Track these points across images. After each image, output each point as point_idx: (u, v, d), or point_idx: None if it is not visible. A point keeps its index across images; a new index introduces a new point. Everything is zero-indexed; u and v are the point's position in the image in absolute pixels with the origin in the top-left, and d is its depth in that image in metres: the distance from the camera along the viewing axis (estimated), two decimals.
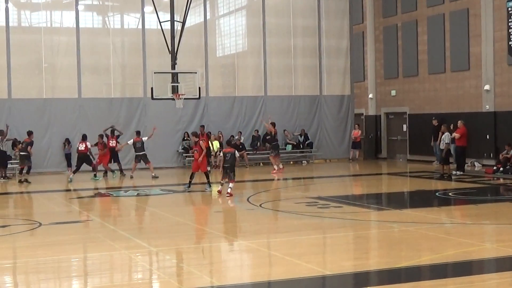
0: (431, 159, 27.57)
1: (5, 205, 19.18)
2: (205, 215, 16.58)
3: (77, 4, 27.84)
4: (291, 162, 30.14)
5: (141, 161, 24.37)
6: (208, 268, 10.36)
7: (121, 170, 25.21)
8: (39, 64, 27.78)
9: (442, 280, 9.17)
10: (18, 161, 24.22)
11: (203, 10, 29.52)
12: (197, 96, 24.36)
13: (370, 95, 32.66)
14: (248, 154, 28.60)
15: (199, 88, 24.28)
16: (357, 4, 32.63)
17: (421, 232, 12.59)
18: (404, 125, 30.82)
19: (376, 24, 32.35)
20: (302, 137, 30.33)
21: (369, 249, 11.82)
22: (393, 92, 31.34)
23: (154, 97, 23.55)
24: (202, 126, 27.45)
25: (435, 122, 26.96)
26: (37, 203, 18.92)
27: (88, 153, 23.85)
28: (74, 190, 21.70)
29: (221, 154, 19.32)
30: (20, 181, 23.15)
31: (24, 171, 23.72)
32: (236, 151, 19.32)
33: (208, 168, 24.07)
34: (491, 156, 25.59)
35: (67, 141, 27.00)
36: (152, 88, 23.44)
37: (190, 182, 20.11)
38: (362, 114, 33.44)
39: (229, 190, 18.36)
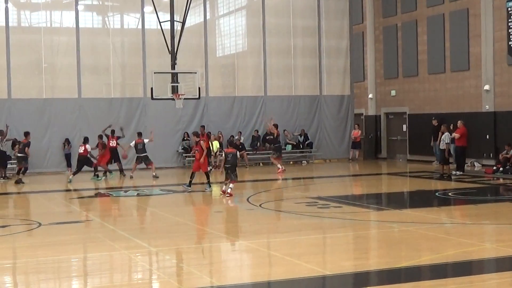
0: (431, 159, 27.58)
1: (5, 205, 19.19)
2: (205, 215, 16.58)
3: (77, 4, 27.84)
4: (291, 162, 30.13)
5: (142, 162, 24.36)
6: (208, 268, 10.36)
7: (121, 170, 25.21)
8: (39, 64, 27.79)
9: (442, 280, 9.17)
10: (16, 162, 24.20)
11: (203, 10, 29.52)
12: (197, 96, 24.37)
13: (370, 95, 32.67)
14: (248, 154, 28.61)
15: (199, 88, 24.29)
16: (357, 4, 32.64)
17: (421, 232, 12.59)
18: (404, 125, 30.82)
19: (376, 24, 32.36)
20: (302, 137, 30.33)
21: (369, 249, 11.82)
22: (393, 92, 31.35)
23: (154, 97, 23.56)
24: (203, 127, 27.45)
25: (435, 122, 26.97)
26: (37, 203, 18.91)
27: (88, 155, 23.81)
28: (74, 190, 21.70)
29: (223, 154, 19.29)
30: (16, 182, 23.10)
31: (20, 172, 23.68)
32: (237, 152, 19.33)
33: (210, 168, 24.11)
34: (491, 156, 25.59)
35: (67, 141, 27.01)
36: (152, 88, 23.45)
37: (190, 181, 20.13)
38: (362, 114, 33.44)
39: (229, 190, 18.36)
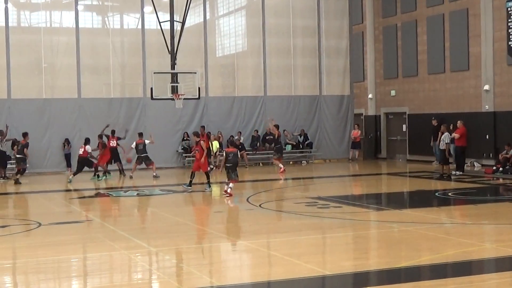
0: (431, 159, 27.58)
1: (5, 205, 19.19)
2: (205, 215, 16.58)
3: (76, 4, 27.84)
4: (291, 162, 30.12)
5: (143, 162, 24.35)
6: (208, 268, 10.36)
7: (121, 170, 25.22)
8: (39, 64, 27.79)
9: (442, 280, 9.18)
10: (14, 163, 24.18)
11: (203, 10, 29.52)
12: (197, 96, 24.37)
13: (370, 95, 32.67)
14: (247, 154, 28.61)
15: (199, 88, 24.29)
16: (356, 4, 32.64)
17: (420, 232, 12.59)
18: (403, 125, 30.83)
19: (375, 24, 32.36)
20: (302, 137, 30.33)
21: (369, 249, 11.82)
22: (393, 92, 31.35)
23: (153, 97, 23.56)
24: (203, 127, 27.43)
25: (434, 122, 26.98)
26: (37, 203, 18.91)
27: (88, 157, 23.79)
28: (74, 190, 21.70)
29: (224, 153, 19.30)
30: (14, 182, 23.03)
31: (12, 172, 23.62)
32: (238, 151, 19.36)
33: (212, 167, 24.13)
34: (491, 156, 25.59)
35: (67, 141, 27.02)
36: (151, 88, 23.45)
37: (190, 181, 20.13)
38: (362, 114, 33.44)
39: (228, 190, 18.36)
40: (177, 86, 23.35)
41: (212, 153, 25.75)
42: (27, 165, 24.13)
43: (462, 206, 17.07)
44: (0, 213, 17.30)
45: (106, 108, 27.83)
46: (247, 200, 17.76)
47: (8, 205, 19.44)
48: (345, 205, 16.78)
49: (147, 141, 24.33)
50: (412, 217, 14.69)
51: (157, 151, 26.79)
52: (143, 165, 24.60)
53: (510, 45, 24.90)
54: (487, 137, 25.90)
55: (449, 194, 18.70)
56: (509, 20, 24.86)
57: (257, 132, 29.89)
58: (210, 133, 27.81)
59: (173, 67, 24.16)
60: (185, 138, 28.58)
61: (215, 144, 26.76)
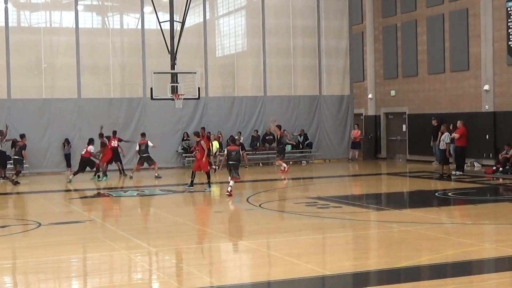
0: (431, 159, 27.58)
1: (5, 205, 19.18)
2: (205, 216, 16.58)
3: (76, 4, 27.84)
4: (291, 162, 30.07)
5: (145, 162, 24.34)
6: (208, 268, 10.36)
7: (122, 170, 25.23)
8: (39, 64, 27.80)
9: (442, 280, 9.18)
10: (12, 163, 24.12)
11: (203, 10, 29.52)
12: (197, 96, 24.37)
13: (370, 95, 32.67)
14: (247, 154, 28.60)
15: (199, 88, 24.29)
16: (356, 4, 32.64)
17: (420, 232, 12.59)
18: (403, 125, 30.83)
19: (375, 24, 32.36)
20: (302, 137, 30.33)
21: (369, 249, 11.82)
22: (393, 92, 31.35)
23: (153, 97, 23.56)
24: (203, 128, 27.40)
25: (434, 122, 26.98)
26: (37, 203, 18.90)
27: (90, 157, 23.77)
28: (74, 190, 21.70)
29: (225, 152, 19.31)
30: (14, 181, 22.96)
31: (11, 172, 23.55)
32: (241, 149, 19.38)
33: (214, 167, 24.12)
34: (491, 156, 25.59)
35: (67, 141, 27.02)
36: (151, 88, 23.46)
37: (192, 181, 20.13)
38: (362, 114, 33.45)
39: (229, 189, 18.35)
40: (177, 86, 23.35)
41: (212, 153, 25.77)
42: (24, 167, 24.02)
43: (462, 206, 17.07)
44: (0, 213, 17.30)
45: (106, 108, 27.84)
46: (247, 200, 17.76)
47: (8, 205, 19.43)
48: (345, 205, 16.78)
49: (150, 144, 24.31)
50: (412, 217, 14.70)
51: (157, 151, 26.74)
52: (146, 165, 24.56)
53: (510, 45, 24.90)
54: (487, 137, 25.90)
55: (449, 194, 18.70)
56: (509, 20, 24.86)
57: (257, 132, 29.89)
58: (210, 133, 27.83)
59: (173, 67, 24.16)
60: (185, 138, 28.58)
61: (215, 144, 26.77)
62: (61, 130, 27.21)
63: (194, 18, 29.66)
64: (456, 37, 27.46)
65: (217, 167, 24.71)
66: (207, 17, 29.77)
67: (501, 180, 21.90)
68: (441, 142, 23.15)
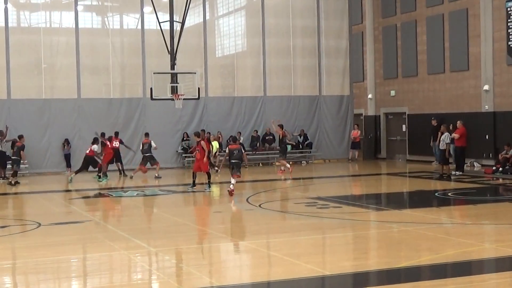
0: (431, 159, 27.58)
1: (5, 206, 19.17)
2: (205, 216, 16.58)
3: (76, 4, 27.83)
4: (291, 163, 30.02)
5: (148, 162, 24.35)
6: (208, 269, 10.36)
7: (122, 170, 25.22)
8: (39, 65, 27.79)
9: (442, 280, 9.18)
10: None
11: (202, 10, 29.52)
12: (197, 97, 24.36)
13: (370, 95, 32.68)
14: (247, 154, 28.59)
15: (199, 88, 24.27)
16: (356, 4, 32.65)
17: (420, 232, 12.59)
18: (403, 125, 30.83)
19: (375, 24, 32.36)
20: (302, 137, 30.33)
21: (369, 249, 11.82)
22: (393, 92, 31.36)
23: (153, 97, 23.55)
24: (203, 131, 27.36)
25: (434, 122, 26.99)
26: (37, 204, 18.90)
27: (94, 156, 23.76)
28: (74, 190, 21.69)
29: (227, 151, 19.32)
30: (13, 183, 22.87)
31: (10, 173, 23.47)
32: (242, 148, 19.42)
33: (217, 168, 24.10)
34: (490, 156, 25.59)
35: (66, 142, 27.02)
36: (151, 89, 23.45)
37: (193, 181, 20.12)
38: (362, 114, 33.45)
39: (231, 187, 18.37)
40: (176, 86, 23.35)
41: (212, 154, 25.78)
42: (21, 167, 23.95)
43: (462, 206, 17.07)
44: (0, 213, 17.33)
45: (106, 109, 27.84)
46: (247, 200, 17.76)
47: (7, 206, 19.42)
48: (344, 205, 16.78)
49: (153, 145, 24.31)
50: (412, 217, 14.70)
51: (157, 151, 26.77)
52: (148, 165, 24.56)
53: (509, 45, 24.90)
54: (487, 137, 25.90)
55: (449, 194, 18.70)
56: (509, 20, 24.86)
57: (257, 132, 29.88)
58: (210, 133, 27.82)
59: (172, 67, 24.15)
60: (184, 138, 28.58)
61: (215, 145, 26.76)
62: (61, 130, 27.21)
63: (194, 18, 29.66)
64: (456, 37, 27.46)
65: (218, 168, 24.70)
66: (207, 17, 29.77)
67: (501, 180, 21.90)
68: (441, 142, 23.16)
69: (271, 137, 29.61)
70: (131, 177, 23.98)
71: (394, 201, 18.73)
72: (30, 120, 26.66)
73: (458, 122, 23.83)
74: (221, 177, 23.72)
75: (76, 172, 23.51)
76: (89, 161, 23.65)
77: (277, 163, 28.39)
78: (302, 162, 30.26)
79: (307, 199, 18.05)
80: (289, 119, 30.36)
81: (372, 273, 9.75)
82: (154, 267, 10.68)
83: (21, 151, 22.98)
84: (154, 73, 23.68)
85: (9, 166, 24.85)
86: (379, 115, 32.37)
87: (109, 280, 9.87)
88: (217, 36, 30.79)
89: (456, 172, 23.20)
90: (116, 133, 25.48)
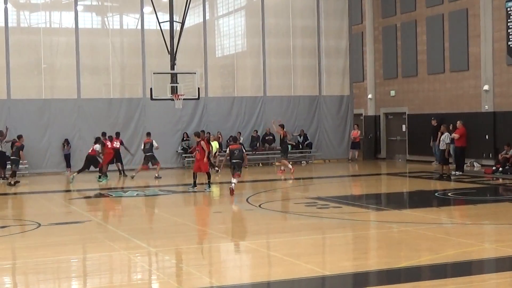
0: (430, 160, 27.58)
1: (5, 206, 19.16)
2: (205, 216, 16.58)
3: (76, 4, 27.83)
4: (291, 163, 30.02)
5: (149, 162, 24.36)
6: (208, 269, 10.36)
7: (123, 171, 25.22)
8: (38, 65, 27.79)
9: (442, 280, 9.18)
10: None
11: (202, 10, 29.52)
12: (196, 97, 24.37)
13: (369, 96, 32.68)
14: (247, 154, 28.53)
15: (198, 88, 24.29)
16: (356, 5, 32.65)
17: (420, 232, 12.59)
18: (403, 125, 30.83)
19: (375, 24, 32.37)
20: (302, 137, 30.33)
21: (369, 249, 11.82)
22: (392, 92, 31.36)
23: (153, 97, 23.56)
24: (202, 131, 27.36)
25: (434, 122, 26.99)
26: (36, 204, 18.89)
27: (96, 155, 23.75)
28: (74, 190, 21.69)
29: (227, 151, 19.34)
30: (12, 183, 22.86)
31: (9, 173, 23.47)
32: (243, 147, 19.45)
33: (217, 168, 24.08)
34: (490, 156, 25.60)
35: (66, 142, 27.02)
36: (151, 89, 23.45)
37: (194, 182, 20.11)
38: (361, 114, 33.45)
39: (232, 185, 18.37)
40: (176, 86, 23.35)
41: (212, 154, 25.77)
42: (19, 167, 23.93)
43: (462, 206, 17.07)
44: None
45: (106, 109, 27.84)
46: (247, 200, 17.75)
47: (7, 206, 19.41)
48: (344, 205, 16.78)
49: (155, 144, 24.33)
50: (412, 217, 14.69)
51: (157, 151, 26.78)
52: (149, 165, 24.58)
53: (509, 45, 24.90)
54: (487, 137, 25.91)
55: (449, 194, 18.70)
56: (509, 20, 24.86)
57: (257, 132, 29.88)
58: (209, 133, 27.83)
59: (172, 68, 24.16)
60: (184, 139, 28.58)
61: (215, 145, 26.76)
62: (60, 130, 27.21)
63: (193, 18, 29.66)
64: (455, 37, 27.47)
65: (218, 168, 24.69)
66: (207, 17, 29.78)
67: (500, 180, 21.90)
68: (441, 142, 23.16)
69: (271, 137, 29.61)
70: (133, 177, 23.98)
71: (394, 201, 18.73)
72: (30, 120, 26.66)
73: (458, 122, 23.83)
74: (221, 177, 23.72)
75: (78, 172, 23.51)
76: (91, 161, 23.66)
77: (277, 163, 28.43)
78: (302, 162, 30.26)
79: (307, 199, 18.05)
80: (289, 119, 30.36)
81: (372, 273, 9.75)
82: (154, 267, 10.68)
83: (20, 151, 22.95)
84: (154, 73, 23.68)
85: (9, 166, 24.91)
86: (379, 115, 32.38)
87: (109, 280, 9.87)
88: (217, 36, 30.79)
89: (456, 172, 23.20)
90: (117, 134, 25.51)
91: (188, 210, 17.75)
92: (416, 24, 29.60)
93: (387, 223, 13.94)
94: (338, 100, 31.50)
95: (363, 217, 15.19)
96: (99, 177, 23.74)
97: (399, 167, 28.40)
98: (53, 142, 27.18)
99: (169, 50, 24.38)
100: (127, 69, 28.72)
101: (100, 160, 23.99)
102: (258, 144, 29.65)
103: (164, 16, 25.40)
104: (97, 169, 23.99)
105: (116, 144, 24.90)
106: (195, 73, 24.52)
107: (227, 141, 28.06)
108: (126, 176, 24.87)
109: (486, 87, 25.98)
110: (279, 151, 26.71)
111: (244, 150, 19.46)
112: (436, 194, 19.12)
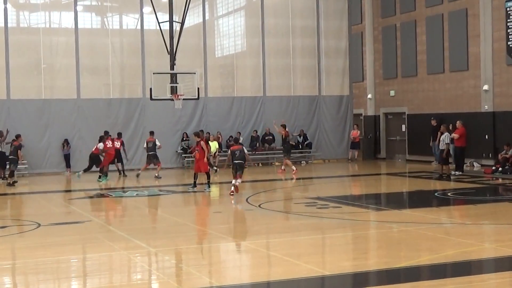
0: (430, 159, 27.58)
1: (4, 206, 19.16)
2: (204, 216, 16.58)
3: (76, 4, 27.82)
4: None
5: (152, 161, 24.37)
6: (207, 269, 10.36)
7: (122, 171, 25.21)
8: (38, 65, 27.77)
9: (441, 280, 9.18)
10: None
11: (202, 10, 29.51)
12: (196, 97, 24.37)
13: (369, 95, 32.68)
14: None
15: (198, 88, 24.29)
16: (355, 5, 32.65)
17: (420, 232, 12.59)
18: (403, 125, 30.83)
19: (375, 24, 32.37)
20: (301, 137, 30.33)
21: (368, 249, 11.83)
22: (392, 92, 31.36)
23: (153, 97, 23.56)
24: (201, 131, 27.33)
25: (434, 122, 26.99)
26: (36, 204, 18.90)
27: (99, 154, 23.76)
28: (73, 190, 21.69)
29: (229, 152, 19.37)
30: (11, 183, 22.85)
31: (8, 173, 23.48)
32: (244, 148, 19.46)
33: (216, 168, 24.10)
34: (490, 156, 25.60)
35: (66, 142, 27.01)
36: (151, 89, 23.45)
37: (195, 182, 20.11)
38: (361, 114, 33.45)
39: (236, 183, 18.38)
40: (176, 86, 23.35)
41: (211, 154, 25.78)
42: (18, 167, 23.92)
43: (462, 206, 17.07)
44: None
45: (105, 109, 27.83)
46: (247, 200, 17.76)
47: (7, 206, 19.41)
48: (344, 205, 16.78)
49: (158, 143, 24.34)
50: (412, 217, 14.70)
51: (157, 151, 26.80)
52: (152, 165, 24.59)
53: (509, 45, 24.90)
54: (486, 137, 25.91)
55: (449, 194, 18.71)
56: (508, 20, 24.85)
57: (256, 132, 29.88)
58: (209, 133, 27.82)
59: (172, 68, 24.16)
60: (184, 139, 28.58)
61: (214, 145, 26.76)
62: (60, 130, 27.20)
63: (193, 19, 29.65)
64: (455, 37, 27.47)
65: (216, 168, 24.70)
66: (207, 18, 29.77)
67: (500, 180, 21.90)
68: (440, 142, 23.16)
69: (271, 137, 29.61)
70: (138, 176, 23.99)
71: (394, 201, 18.73)
72: (30, 121, 26.66)
73: (458, 122, 23.83)
74: (221, 177, 23.72)
75: (85, 171, 23.54)
76: (94, 159, 23.68)
77: (276, 163, 28.45)
78: (302, 162, 30.24)
79: (306, 199, 18.05)
80: (289, 119, 30.32)
81: (371, 273, 9.75)
82: (154, 267, 10.68)
83: (18, 150, 22.95)
84: (153, 73, 23.68)
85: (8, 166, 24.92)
86: (379, 115, 32.38)
87: (109, 280, 9.87)
88: (216, 36, 30.79)
89: (456, 172, 23.20)
90: (119, 134, 25.55)
91: (188, 210, 17.75)
92: (415, 24, 29.61)
93: (387, 223, 13.94)
94: (338, 100, 31.50)
95: (363, 217, 15.19)
96: (99, 177, 23.75)
97: (398, 167, 28.40)
98: (53, 142, 27.17)
99: (169, 50, 24.38)
100: (127, 69, 28.71)
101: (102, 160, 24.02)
102: (257, 144, 29.64)
103: (164, 16, 25.39)
104: (98, 168, 23.99)
105: (117, 144, 24.91)
106: (194, 73, 24.52)
107: (226, 141, 28.13)
108: (126, 176, 24.87)
109: (485, 87, 25.99)
110: (281, 151, 26.70)
111: (245, 151, 19.46)
112: (435, 194, 19.13)
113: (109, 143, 24.13)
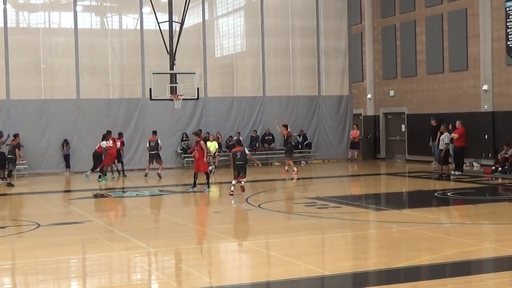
0: (430, 159, 27.58)
1: (4, 206, 19.15)
2: (204, 216, 16.58)
3: (75, 5, 27.82)
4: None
5: (154, 160, 24.38)
6: (207, 269, 10.37)
7: (122, 171, 25.21)
8: (38, 65, 27.76)
9: (441, 280, 9.18)
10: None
11: (202, 10, 29.51)
12: (196, 97, 24.37)
13: (369, 95, 32.68)
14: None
15: (198, 88, 24.29)
16: (355, 5, 32.66)
17: (420, 232, 12.59)
18: (402, 125, 30.83)
19: (374, 24, 32.37)
20: (301, 137, 30.33)
21: (368, 249, 11.83)
22: (392, 92, 31.36)
23: (152, 97, 23.57)
24: (200, 130, 27.31)
25: (433, 122, 27.00)
26: (36, 204, 18.90)
27: (102, 153, 23.75)
28: (73, 191, 21.68)
29: (231, 154, 19.40)
30: (9, 184, 22.82)
31: (6, 173, 23.48)
32: (246, 149, 19.49)
33: (211, 168, 24.10)
34: (490, 156, 25.60)
35: (66, 142, 27.00)
36: (150, 89, 23.46)
37: (194, 182, 20.12)
38: (361, 114, 33.45)
39: (242, 183, 18.42)
40: (176, 86, 23.36)
41: (210, 154, 25.79)
42: (16, 167, 23.89)
43: (461, 206, 17.07)
44: None
45: (105, 109, 27.83)
46: (246, 200, 17.75)
47: (7, 206, 19.40)
48: (344, 205, 16.78)
49: (160, 143, 24.37)
50: (411, 217, 14.70)
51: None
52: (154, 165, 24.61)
53: (508, 45, 24.91)
54: (486, 137, 25.91)
55: (448, 194, 18.71)
56: (508, 20, 24.87)
57: (256, 132, 29.88)
58: (209, 133, 27.82)
59: (172, 68, 24.16)
60: (184, 139, 28.57)
61: (213, 145, 26.76)
62: (60, 130, 27.20)
63: (193, 19, 29.65)
64: (455, 37, 27.47)
65: (214, 167, 24.68)
66: (206, 18, 29.77)
67: (500, 180, 21.91)
68: (440, 142, 23.15)
69: (271, 137, 29.62)
70: (146, 175, 24.02)
71: (394, 201, 18.73)
72: (29, 121, 26.65)
73: (457, 122, 23.84)
74: (221, 177, 23.73)
75: (92, 170, 23.55)
76: (97, 158, 23.69)
77: (276, 163, 28.46)
78: (302, 162, 30.24)
79: (306, 199, 18.05)
80: (288, 119, 30.22)
81: (371, 273, 9.75)
82: (154, 268, 10.68)
83: (16, 150, 22.93)
84: (153, 73, 23.69)
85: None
86: (378, 115, 32.38)
87: (109, 280, 9.87)
88: (216, 36, 30.79)
89: (456, 172, 23.20)
90: (120, 134, 25.56)
91: (187, 210, 17.74)
92: (415, 24, 29.61)
93: (387, 223, 13.94)
94: (338, 100, 31.51)
95: (362, 217, 15.19)
96: (99, 177, 23.75)
97: (398, 167, 28.40)
98: (53, 142, 27.16)
99: (168, 50, 24.39)
100: (126, 69, 28.70)
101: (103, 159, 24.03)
102: (257, 144, 29.64)
103: (163, 16, 25.39)
104: (98, 168, 24.01)
105: (118, 144, 24.91)
106: (194, 73, 24.52)
107: (226, 141, 28.16)
108: (126, 176, 24.87)
109: (485, 87, 25.99)
110: (281, 151, 26.69)
111: (247, 152, 19.49)
112: (435, 194, 19.13)
113: (109, 142, 24.13)
